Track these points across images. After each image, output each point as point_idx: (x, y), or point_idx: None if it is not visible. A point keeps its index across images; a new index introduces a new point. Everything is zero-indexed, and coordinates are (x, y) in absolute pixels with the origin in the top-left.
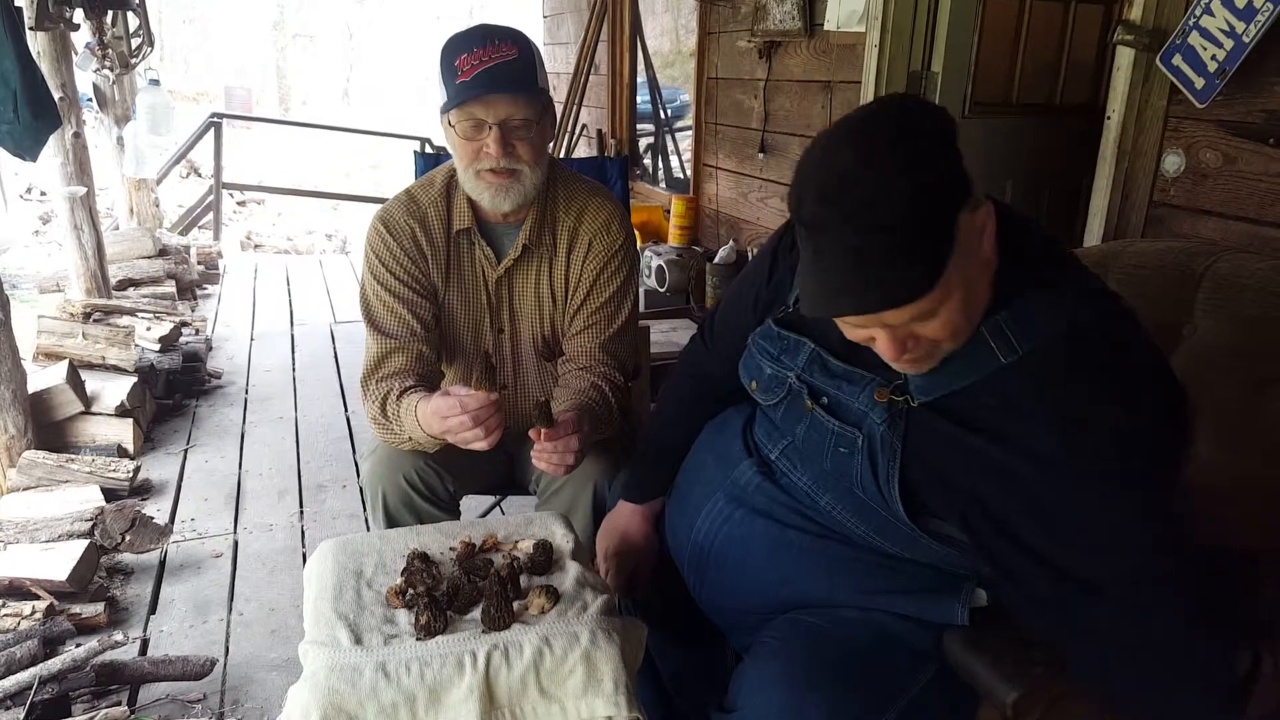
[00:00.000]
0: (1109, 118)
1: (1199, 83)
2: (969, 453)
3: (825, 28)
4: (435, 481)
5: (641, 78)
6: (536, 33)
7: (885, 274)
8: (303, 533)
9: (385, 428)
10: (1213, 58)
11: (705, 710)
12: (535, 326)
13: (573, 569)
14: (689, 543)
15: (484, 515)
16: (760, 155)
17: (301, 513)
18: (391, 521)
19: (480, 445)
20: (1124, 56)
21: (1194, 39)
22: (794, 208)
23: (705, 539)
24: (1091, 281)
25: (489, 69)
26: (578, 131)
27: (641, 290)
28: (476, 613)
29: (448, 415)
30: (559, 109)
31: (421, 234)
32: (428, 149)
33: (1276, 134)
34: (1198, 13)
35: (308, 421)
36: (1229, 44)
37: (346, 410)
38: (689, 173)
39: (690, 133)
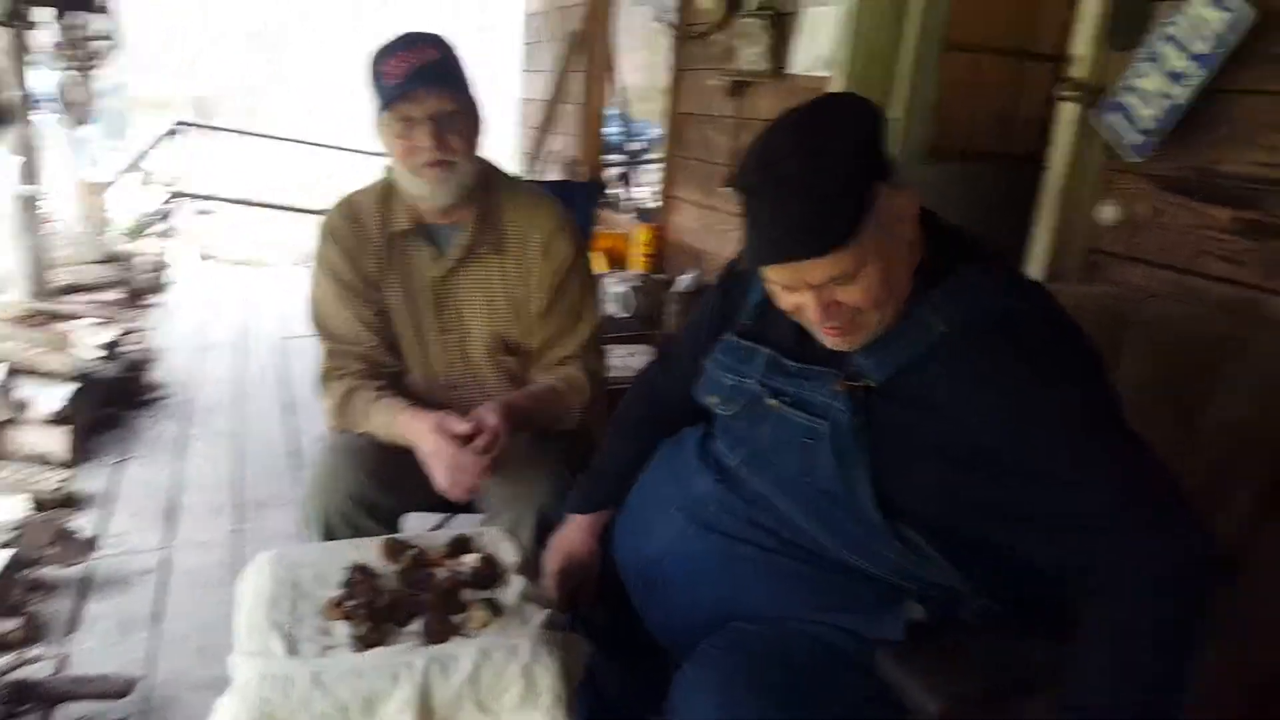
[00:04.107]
0: (1050, 168)
1: (1134, 139)
2: (930, 429)
3: (792, 70)
4: (379, 498)
5: (615, 110)
6: (515, 60)
7: (806, 226)
8: (241, 550)
9: (345, 417)
10: (1150, 117)
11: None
12: (487, 328)
13: (516, 583)
14: (639, 559)
15: (433, 530)
16: (726, 189)
17: (240, 529)
18: (330, 538)
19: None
20: (1066, 111)
21: (1129, 99)
22: (737, 179)
23: (656, 555)
24: (1017, 270)
25: (415, 69)
26: (548, 158)
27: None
28: (416, 626)
29: (434, 454)
30: (531, 135)
31: (361, 237)
32: None
33: (1203, 191)
34: (1131, 75)
35: (252, 436)
36: (1163, 105)
37: (294, 425)
38: (656, 203)
39: (659, 165)
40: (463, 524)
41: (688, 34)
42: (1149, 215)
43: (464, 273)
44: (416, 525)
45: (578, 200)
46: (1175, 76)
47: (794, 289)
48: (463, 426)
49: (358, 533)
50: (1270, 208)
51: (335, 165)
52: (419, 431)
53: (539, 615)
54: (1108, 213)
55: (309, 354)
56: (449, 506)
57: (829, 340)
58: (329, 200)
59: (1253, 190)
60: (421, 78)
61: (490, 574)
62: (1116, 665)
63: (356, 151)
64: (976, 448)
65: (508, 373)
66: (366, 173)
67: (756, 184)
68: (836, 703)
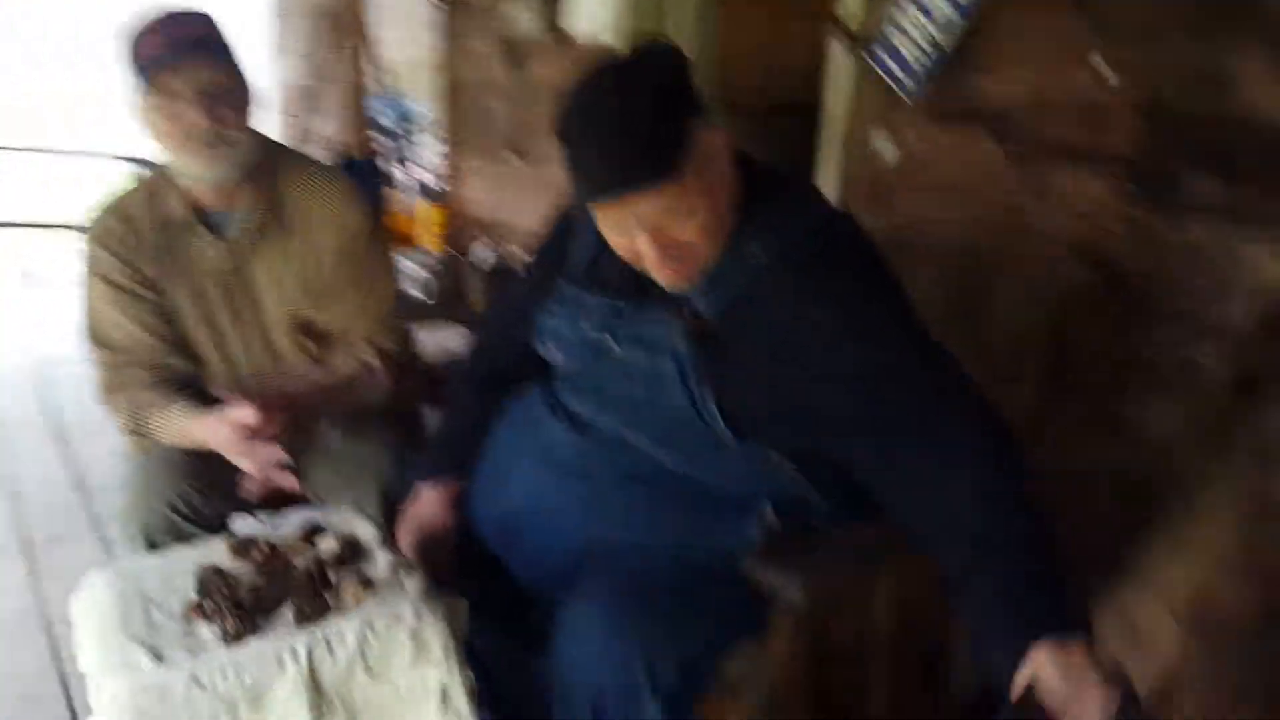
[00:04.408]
0: (829, 110)
1: (904, 78)
2: (767, 355)
3: (570, 32)
4: (201, 503)
5: (381, 89)
6: (265, 41)
7: (633, 161)
8: (41, 590)
9: (138, 431)
10: (917, 56)
11: (526, 684)
12: (284, 311)
13: (382, 557)
14: (498, 513)
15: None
16: (514, 159)
17: (35, 570)
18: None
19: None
20: (839, 53)
21: (896, 39)
22: (558, 129)
23: (515, 506)
24: (824, 199)
25: (177, 40)
26: (314, 144)
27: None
28: (287, 612)
29: (228, 447)
30: (292, 122)
31: (134, 237)
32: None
33: (971, 121)
34: (897, 15)
35: (26, 474)
36: (927, 43)
37: (72, 454)
38: (442, 181)
39: (439, 141)
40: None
41: (455, 2)
42: (925, 149)
43: (252, 257)
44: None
45: (360, 179)
46: (935, 14)
47: (628, 230)
48: (241, 413)
49: (183, 543)
50: (1030, 132)
51: (72, 173)
52: (207, 429)
53: (413, 581)
54: (886, 150)
55: (75, 376)
56: (280, 502)
57: (666, 280)
58: (73, 212)
59: (1014, 118)
60: (185, 48)
61: (353, 552)
62: (996, 530)
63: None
64: (810, 366)
65: (313, 357)
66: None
67: (578, 128)
68: (712, 615)
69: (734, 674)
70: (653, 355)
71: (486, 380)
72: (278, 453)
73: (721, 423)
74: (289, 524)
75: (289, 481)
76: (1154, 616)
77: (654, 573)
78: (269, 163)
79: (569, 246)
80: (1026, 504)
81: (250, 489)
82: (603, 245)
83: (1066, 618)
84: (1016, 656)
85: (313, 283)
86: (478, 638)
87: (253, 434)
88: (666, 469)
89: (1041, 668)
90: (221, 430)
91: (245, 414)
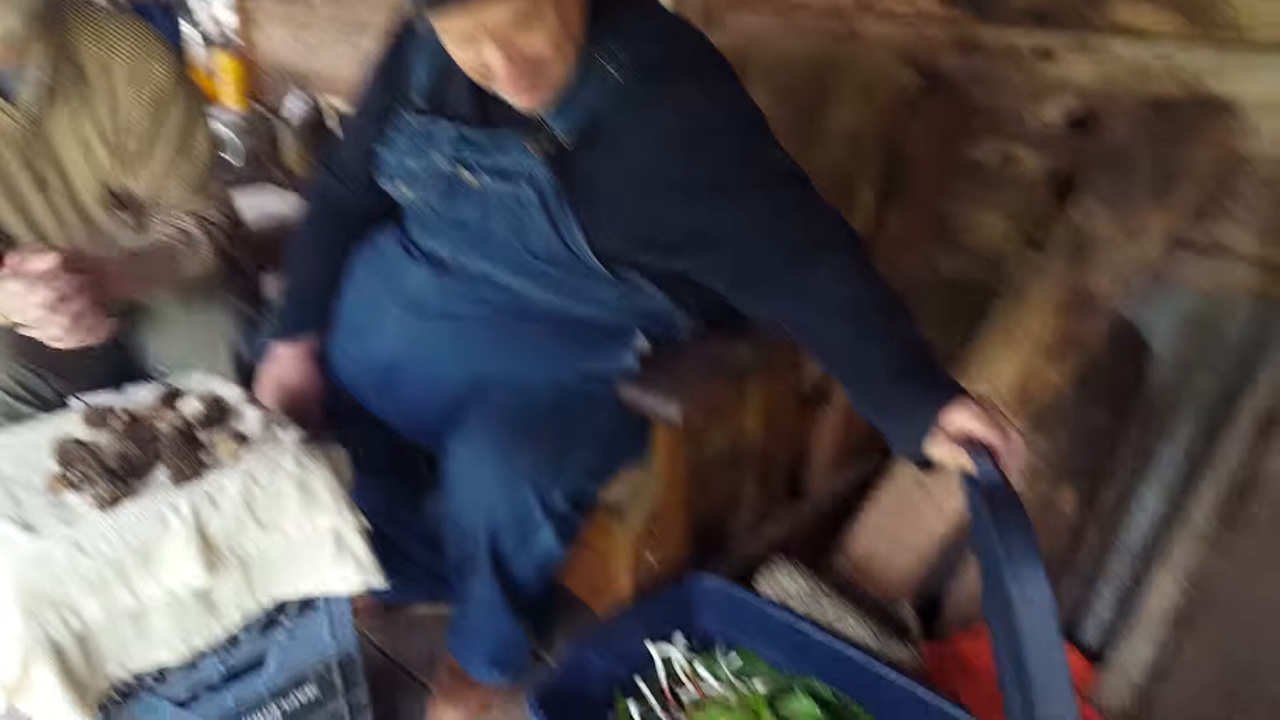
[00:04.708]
0: None
1: None
2: (625, 174)
3: None
4: (37, 383)
5: None
6: None
7: None
8: None
9: None
10: None
11: (415, 535)
12: (91, 178)
13: (251, 413)
14: (368, 365)
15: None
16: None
17: None
18: None
19: (65, 338)
20: None
21: None
22: None
23: (385, 355)
24: (669, 12)
25: None
26: None
27: None
28: (161, 474)
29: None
30: None
31: None
32: None
33: None
34: None
35: None
36: None
37: None
38: (234, 28)
39: None
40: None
41: None
42: None
43: (51, 120)
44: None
45: (158, 27)
46: None
47: (475, 43)
48: (36, 262)
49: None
50: None
51: None
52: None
53: (289, 433)
54: None
55: None
56: (122, 379)
57: (517, 99)
58: None
59: None
60: None
61: (219, 411)
62: (872, 326)
63: None
64: (671, 183)
65: (130, 228)
66: None
67: None
68: (594, 441)
69: (618, 497)
70: (511, 184)
71: (331, 228)
72: (75, 301)
73: (588, 249)
74: (142, 392)
75: (100, 328)
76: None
77: (534, 405)
78: (59, 14)
79: (407, 70)
80: (890, 295)
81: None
82: (447, 66)
83: (956, 381)
84: (928, 424)
85: (121, 145)
86: (358, 494)
87: (51, 287)
88: (535, 302)
89: (963, 421)
90: (11, 286)
91: (36, 261)
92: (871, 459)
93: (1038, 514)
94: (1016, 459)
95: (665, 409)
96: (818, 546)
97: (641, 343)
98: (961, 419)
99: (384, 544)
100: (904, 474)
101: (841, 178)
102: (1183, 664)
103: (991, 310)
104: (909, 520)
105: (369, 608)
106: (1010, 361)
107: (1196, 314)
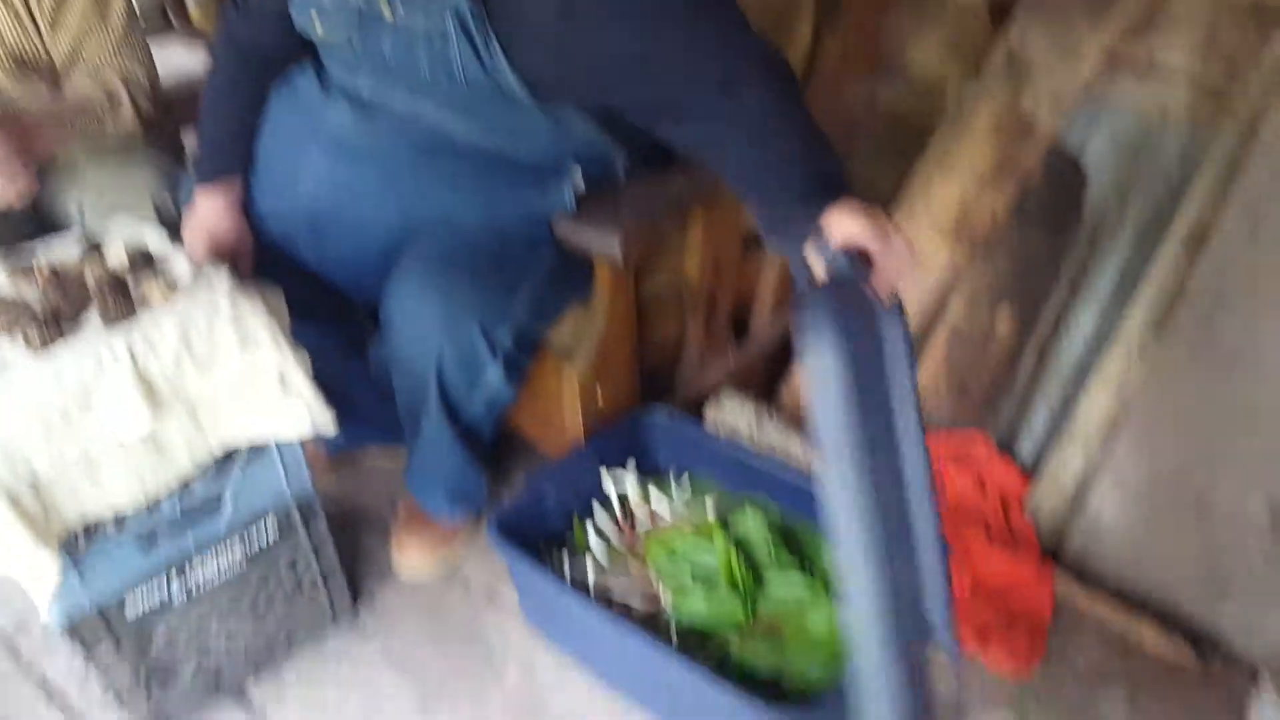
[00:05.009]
0: None
1: None
2: (549, 3)
3: None
4: None
5: None
6: None
7: None
8: None
9: None
10: None
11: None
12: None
13: (179, 256)
14: (294, 208)
15: None
16: None
17: None
18: None
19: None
20: None
21: None
22: None
23: (311, 197)
24: None
25: None
26: None
27: None
28: (93, 319)
29: None
30: None
31: None
32: None
33: None
34: None
35: None
36: None
37: None
38: None
39: None
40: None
41: None
42: None
43: None
44: None
45: None
46: None
47: None
48: None
49: None
50: None
51: None
52: None
53: (221, 275)
54: None
55: None
56: (39, 231)
57: None
58: None
59: None
60: None
61: (146, 259)
62: (779, 134)
63: None
64: (596, 6)
65: (49, 87)
66: None
67: None
68: (539, 278)
69: (564, 338)
70: (430, 15)
71: (243, 70)
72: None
73: (512, 78)
74: (63, 244)
75: (20, 178)
76: (926, 237)
77: (472, 246)
78: None
79: None
80: (810, 126)
81: None
82: None
83: (850, 186)
84: (810, 224)
85: (40, 7)
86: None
87: None
88: (465, 139)
89: (846, 217)
90: None
91: None
92: None
93: (978, 340)
94: (898, 262)
95: (605, 245)
96: (764, 385)
97: (578, 181)
98: (843, 221)
99: (333, 395)
100: None
101: (778, 11)
102: (1111, 471)
103: (928, 141)
104: None
105: (325, 459)
106: (949, 189)
107: (1131, 138)
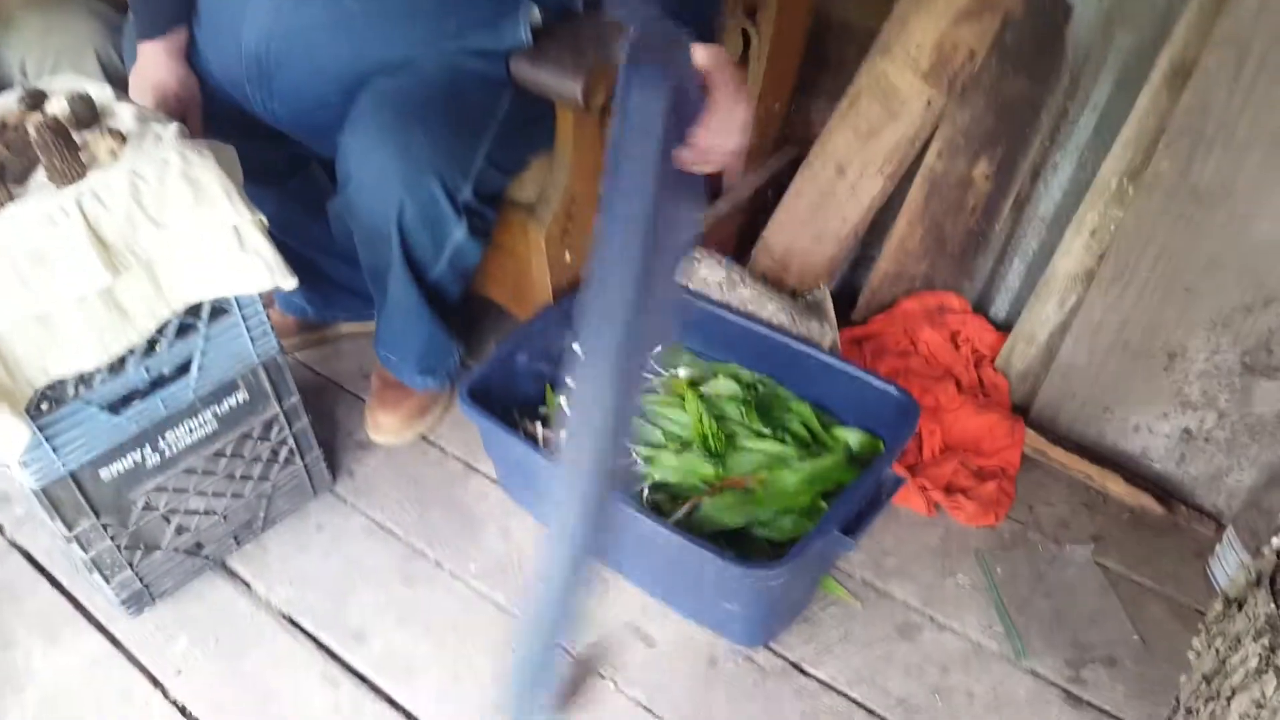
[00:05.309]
0: None
1: None
2: None
3: None
4: None
5: None
6: None
7: None
8: None
9: None
10: None
11: (327, 250)
12: None
13: (125, 109)
14: (241, 56)
15: None
16: None
17: None
18: None
19: None
20: None
21: None
22: None
23: (258, 43)
24: None
25: None
26: None
27: None
28: (40, 178)
29: None
30: None
31: None
32: None
33: None
34: None
35: None
36: None
37: None
38: None
39: None
40: None
41: None
42: None
43: None
44: None
45: None
46: None
47: None
48: None
49: None
50: None
51: None
52: None
53: (170, 129)
54: None
55: None
56: None
57: None
58: None
59: None
60: None
61: (90, 110)
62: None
63: None
64: None
65: None
66: None
67: None
68: (498, 126)
69: (529, 192)
70: None
71: None
72: None
73: None
74: (3, 98)
75: None
76: (907, 81)
77: (426, 88)
78: None
79: None
80: None
81: None
82: None
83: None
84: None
85: None
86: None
87: None
88: None
89: (714, 54)
90: None
91: None
92: (788, 153)
93: (955, 189)
94: (730, 119)
95: (563, 85)
96: (738, 243)
97: (534, 12)
98: (710, 52)
99: (298, 262)
100: (822, 164)
101: None
102: (1084, 321)
103: None
104: (826, 210)
105: (293, 325)
106: (925, 24)
107: None
